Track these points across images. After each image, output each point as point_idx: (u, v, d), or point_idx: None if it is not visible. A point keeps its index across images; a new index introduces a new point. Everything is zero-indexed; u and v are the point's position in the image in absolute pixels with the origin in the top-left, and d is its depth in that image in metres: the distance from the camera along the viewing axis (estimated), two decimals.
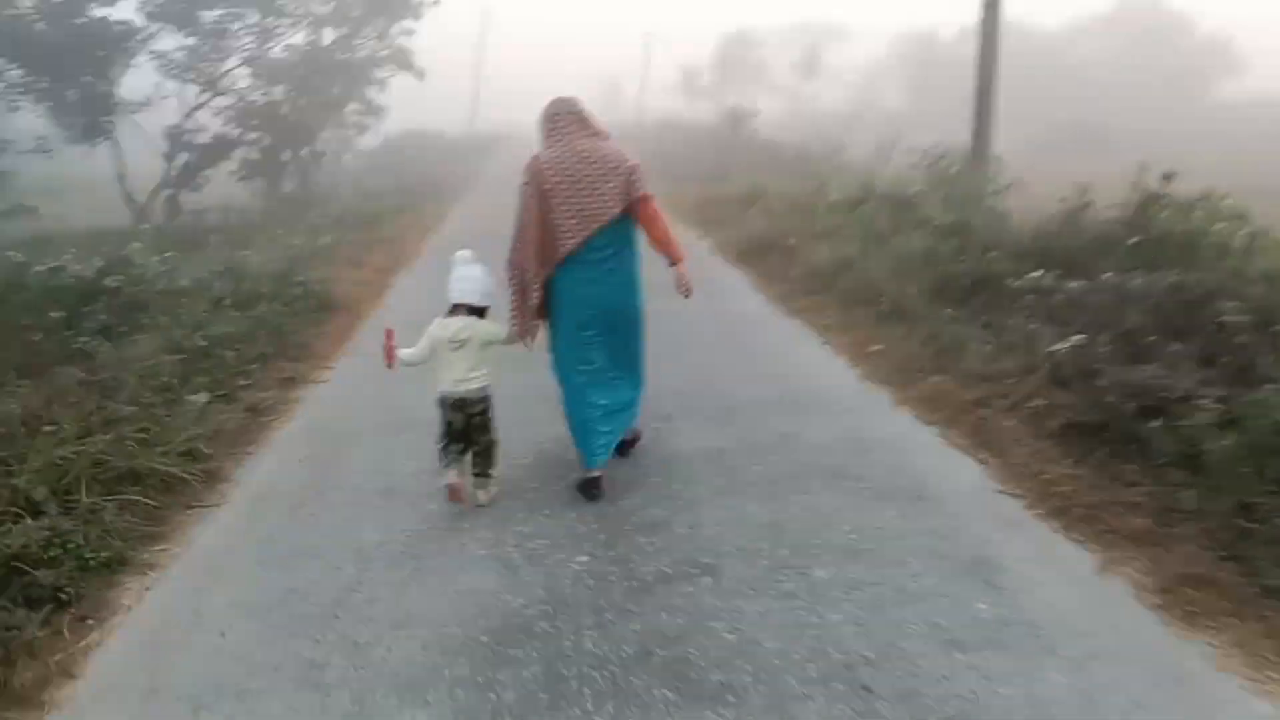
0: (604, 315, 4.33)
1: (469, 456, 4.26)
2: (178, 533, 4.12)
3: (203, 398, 5.57)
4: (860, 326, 7.03)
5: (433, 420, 4.28)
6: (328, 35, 22.24)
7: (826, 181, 14.05)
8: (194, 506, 4.38)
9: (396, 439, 5.16)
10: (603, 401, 4.37)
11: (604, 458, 4.36)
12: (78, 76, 19.75)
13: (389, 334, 4.23)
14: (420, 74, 25.10)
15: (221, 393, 5.80)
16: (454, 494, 4.13)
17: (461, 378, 4.13)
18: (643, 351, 4.55)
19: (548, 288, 4.32)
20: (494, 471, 4.32)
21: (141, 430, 4.78)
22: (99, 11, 19.75)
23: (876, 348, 6.40)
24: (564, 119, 4.27)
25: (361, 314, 8.44)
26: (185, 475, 4.54)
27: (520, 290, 4.34)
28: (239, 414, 5.54)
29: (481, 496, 4.27)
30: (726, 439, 4.98)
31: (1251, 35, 57.29)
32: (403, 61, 24.09)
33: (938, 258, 8.13)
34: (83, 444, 4.43)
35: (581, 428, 4.38)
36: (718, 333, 7.32)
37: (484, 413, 4.22)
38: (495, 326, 4.27)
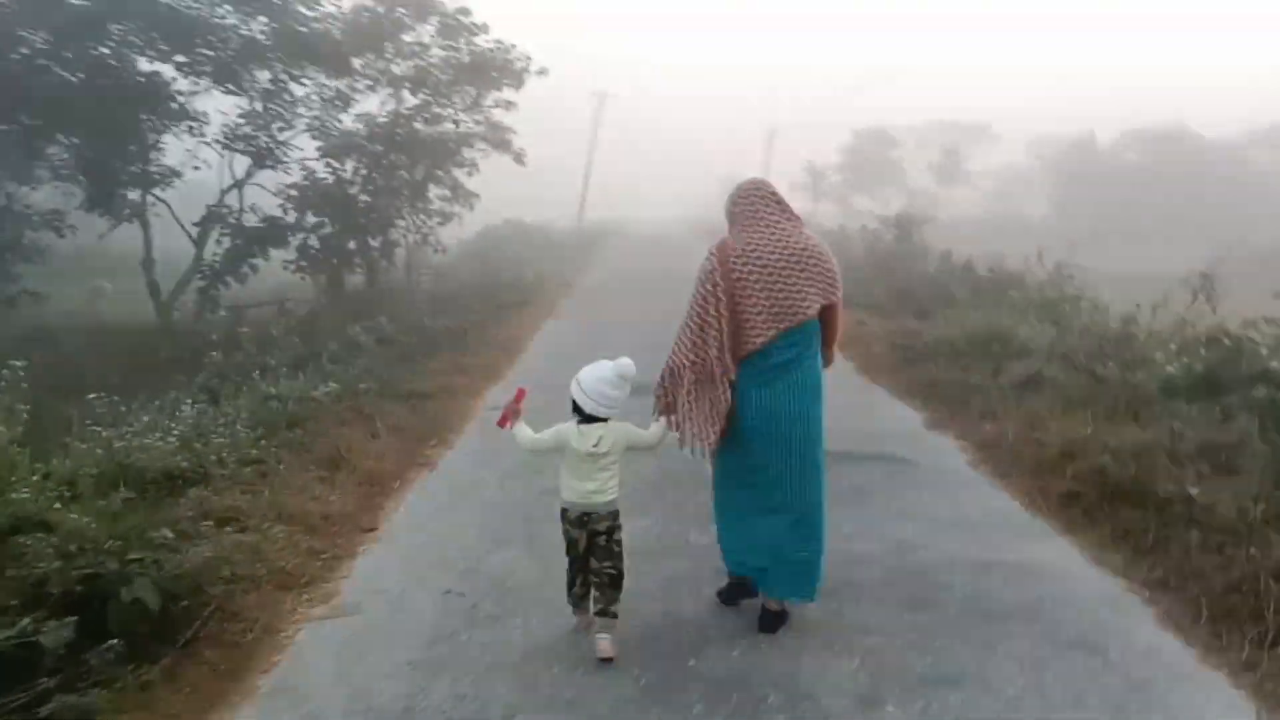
0: (780, 426, 3.72)
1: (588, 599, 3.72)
2: None
3: None
4: None
5: None
6: (407, 100, 18.21)
7: (1125, 333, 8.96)
8: None
9: None
10: (766, 531, 3.75)
11: (781, 590, 3.81)
12: (114, 140, 16.11)
13: (520, 393, 3.76)
14: (520, 157, 21.01)
15: None
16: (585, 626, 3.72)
17: (597, 489, 3.60)
18: (824, 491, 3.84)
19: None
20: (616, 608, 3.60)
21: None
22: (145, 66, 16.19)
23: None
24: (763, 202, 3.86)
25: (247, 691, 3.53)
26: None
27: (695, 392, 3.74)
28: None
29: (603, 647, 3.56)
30: None
31: None
32: (498, 140, 20.01)
33: None
34: None
35: (733, 541, 3.92)
36: None
37: (610, 532, 3.65)
38: (635, 429, 3.71)
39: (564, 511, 3.67)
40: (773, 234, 3.76)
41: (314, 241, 18.51)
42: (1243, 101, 60.43)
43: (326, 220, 18.50)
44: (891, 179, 55.19)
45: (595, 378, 3.60)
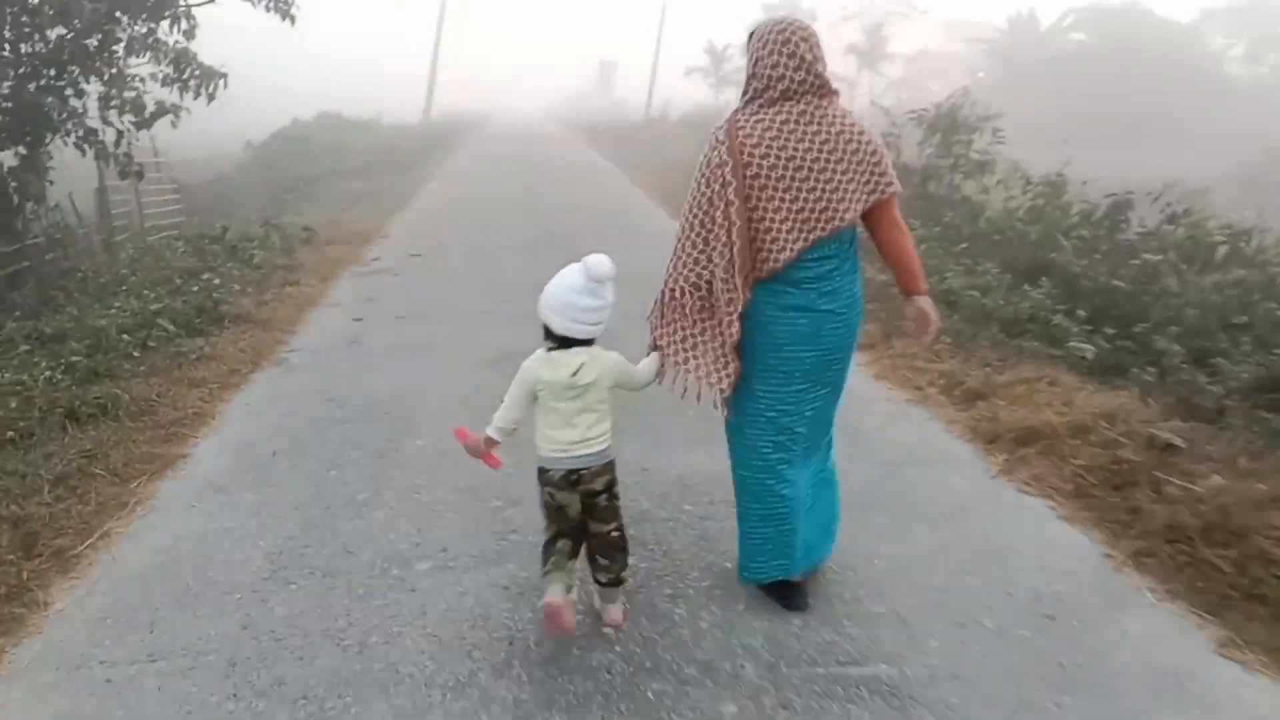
0: (822, 358, 2.76)
1: (576, 559, 2.83)
2: None
3: None
4: None
5: None
6: None
7: None
8: None
9: None
10: (803, 488, 2.90)
11: (807, 562, 2.99)
12: None
13: (460, 433, 2.80)
14: (285, 10, 11.99)
15: None
16: (554, 619, 2.65)
17: (581, 438, 2.69)
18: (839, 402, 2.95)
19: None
20: (626, 574, 2.89)
21: None
22: None
23: None
24: (797, 65, 2.61)
25: None
26: None
27: (700, 322, 2.82)
28: None
29: (612, 614, 2.88)
30: None
31: None
32: None
33: None
34: None
35: (778, 525, 2.89)
36: None
37: (610, 489, 2.79)
38: (628, 363, 2.76)
39: (542, 472, 2.75)
40: (804, 111, 2.61)
41: None
42: None
43: None
44: None
45: (561, 288, 2.63)
